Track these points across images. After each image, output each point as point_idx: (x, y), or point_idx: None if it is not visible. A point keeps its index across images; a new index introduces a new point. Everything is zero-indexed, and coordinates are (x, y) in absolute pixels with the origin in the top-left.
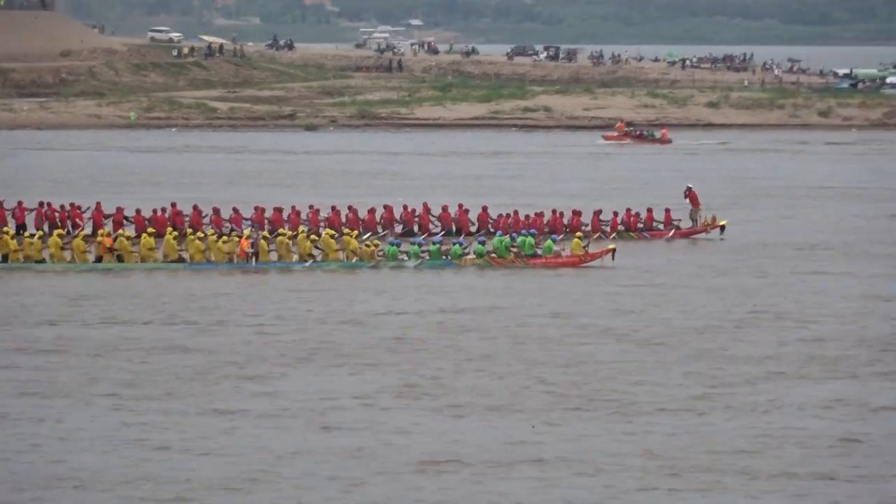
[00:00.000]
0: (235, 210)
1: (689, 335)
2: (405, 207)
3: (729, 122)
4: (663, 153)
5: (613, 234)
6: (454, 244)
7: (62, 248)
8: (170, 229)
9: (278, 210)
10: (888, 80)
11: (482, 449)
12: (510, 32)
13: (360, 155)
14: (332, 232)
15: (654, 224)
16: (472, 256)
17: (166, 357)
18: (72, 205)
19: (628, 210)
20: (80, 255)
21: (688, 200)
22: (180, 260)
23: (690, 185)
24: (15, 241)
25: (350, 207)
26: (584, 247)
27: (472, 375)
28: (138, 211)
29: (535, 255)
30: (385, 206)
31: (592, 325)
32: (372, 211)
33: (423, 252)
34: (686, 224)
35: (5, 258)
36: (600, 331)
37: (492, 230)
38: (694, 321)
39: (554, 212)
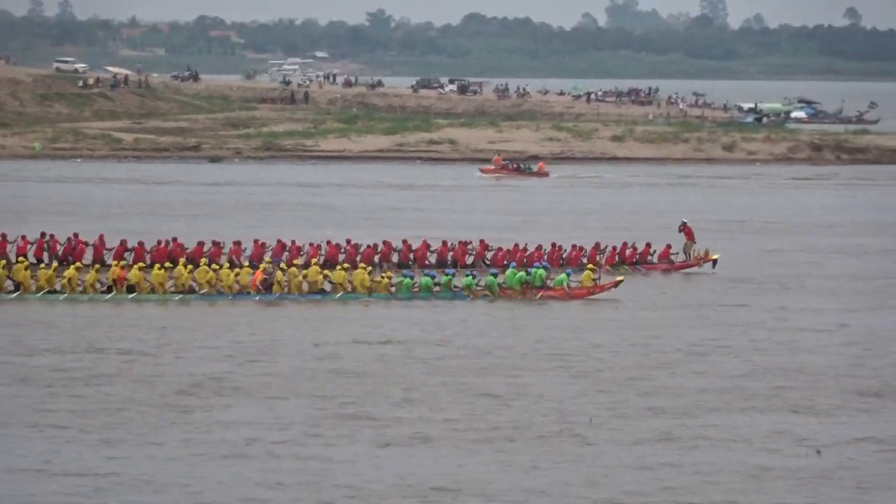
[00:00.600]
0: (236, 243)
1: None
2: (404, 242)
3: (633, 155)
4: (542, 186)
5: (607, 267)
6: (467, 275)
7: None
8: (182, 261)
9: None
10: (792, 115)
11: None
12: (415, 65)
13: (267, 187)
14: (347, 265)
15: (649, 258)
16: (481, 289)
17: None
18: (74, 235)
19: (624, 243)
20: (91, 286)
21: (682, 234)
22: (191, 291)
23: (685, 220)
24: (28, 271)
25: (349, 241)
26: (594, 279)
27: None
28: (140, 243)
29: (544, 287)
30: (384, 242)
31: (543, 354)
32: (373, 246)
33: (436, 284)
34: (681, 258)
35: (17, 287)
36: (544, 358)
37: (487, 262)
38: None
39: (553, 245)
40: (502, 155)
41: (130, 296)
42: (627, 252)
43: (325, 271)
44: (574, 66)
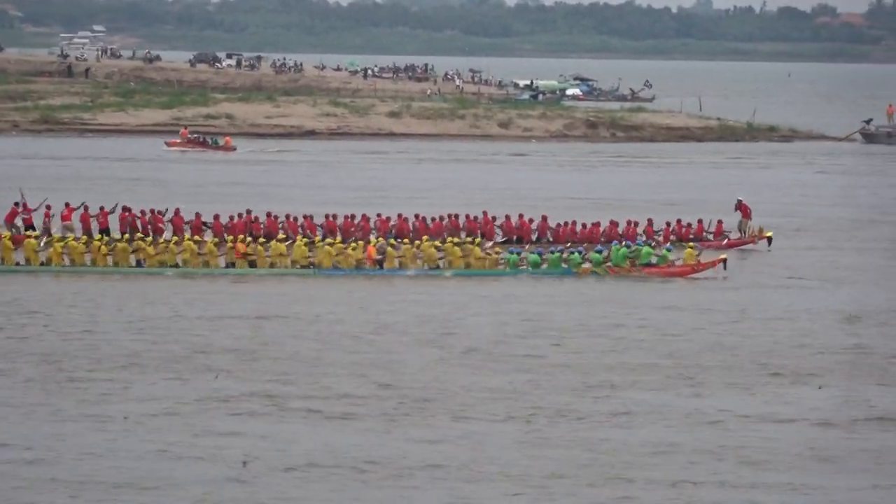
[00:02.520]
0: (288, 217)
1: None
2: (468, 217)
3: (410, 131)
4: (230, 161)
5: (667, 245)
6: (572, 252)
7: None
8: (300, 237)
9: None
10: (568, 92)
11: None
12: (193, 40)
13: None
14: (457, 239)
15: (704, 234)
16: (588, 266)
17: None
18: (152, 210)
19: (679, 220)
20: (214, 259)
21: (738, 212)
22: (309, 266)
23: (741, 198)
24: (152, 246)
25: (417, 216)
26: (696, 256)
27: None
28: (216, 217)
29: (650, 265)
30: (449, 215)
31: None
32: (442, 218)
33: (543, 259)
34: (735, 235)
35: (139, 263)
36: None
37: (550, 239)
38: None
39: (611, 222)
40: (278, 129)
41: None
42: (683, 229)
43: (436, 243)
44: (351, 43)
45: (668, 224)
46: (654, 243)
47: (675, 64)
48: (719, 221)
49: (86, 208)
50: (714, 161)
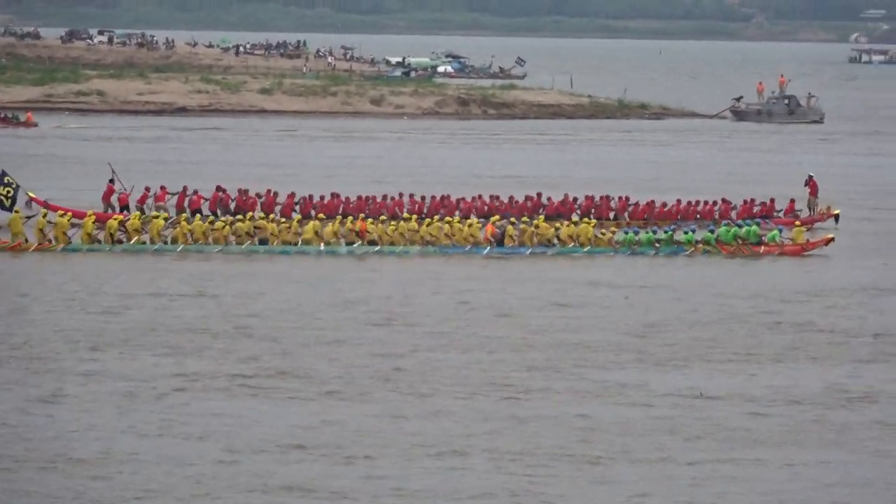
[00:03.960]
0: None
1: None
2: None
3: (282, 108)
4: (30, 137)
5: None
6: (685, 232)
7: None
8: (415, 217)
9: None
10: (440, 69)
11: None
12: (65, 16)
13: None
14: (576, 220)
15: (775, 213)
16: (700, 244)
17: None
18: (245, 191)
19: (751, 200)
20: (333, 237)
21: (808, 189)
22: (425, 243)
23: (811, 174)
24: (273, 224)
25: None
26: (805, 234)
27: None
28: (310, 197)
29: (759, 244)
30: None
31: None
32: (529, 198)
33: (657, 240)
34: (805, 213)
35: (262, 241)
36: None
37: (627, 218)
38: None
39: (689, 201)
40: (150, 106)
41: (374, 248)
42: (755, 209)
43: (556, 224)
44: (223, 20)
45: (745, 202)
46: (762, 223)
47: (547, 41)
48: (791, 200)
49: (184, 189)
50: (608, 138)
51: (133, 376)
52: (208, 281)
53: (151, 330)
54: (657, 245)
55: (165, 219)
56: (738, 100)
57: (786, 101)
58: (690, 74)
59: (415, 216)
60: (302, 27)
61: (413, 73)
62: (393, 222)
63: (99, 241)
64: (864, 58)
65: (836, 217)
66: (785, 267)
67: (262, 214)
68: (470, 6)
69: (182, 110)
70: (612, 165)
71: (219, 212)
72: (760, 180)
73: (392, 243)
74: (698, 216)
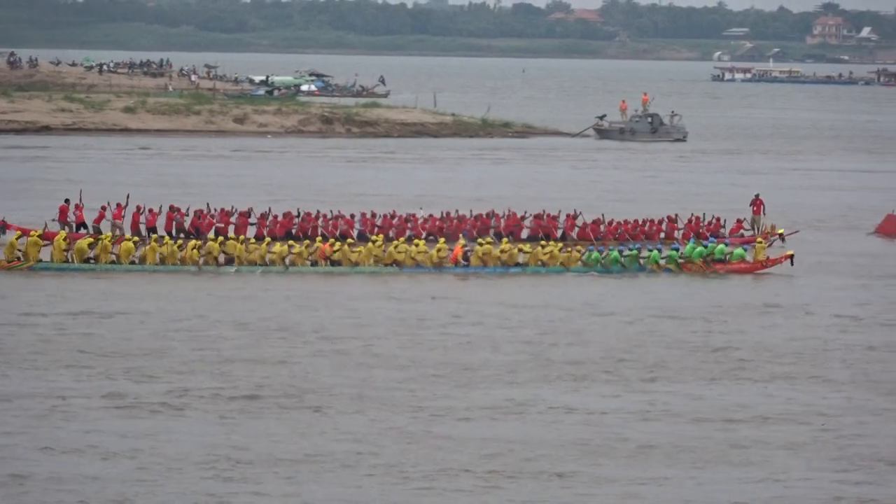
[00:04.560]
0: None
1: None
2: (495, 215)
3: (146, 126)
4: None
5: (684, 241)
6: (650, 250)
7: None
8: (381, 237)
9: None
10: (303, 88)
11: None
12: None
13: None
14: (543, 243)
15: (721, 231)
16: (663, 262)
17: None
18: (200, 210)
19: (698, 217)
20: (303, 260)
21: (752, 208)
22: (393, 264)
23: (758, 193)
24: (243, 246)
25: (446, 214)
26: (765, 252)
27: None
28: (262, 216)
29: (722, 261)
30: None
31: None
32: (475, 217)
33: (624, 257)
34: (749, 233)
35: (231, 261)
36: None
37: (575, 237)
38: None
39: (636, 220)
40: (13, 124)
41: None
42: (701, 228)
43: (520, 245)
44: (87, 38)
45: (690, 221)
46: (728, 242)
47: (410, 60)
48: (738, 220)
49: (138, 207)
50: (475, 157)
51: (43, 394)
52: (160, 300)
53: (80, 351)
54: (622, 264)
55: (135, 242)
56: (601, 118)
57: (649, 120)
58: (554, 93)
59: (381, 236)
60: (166, 46)
61: (277, 92)
62: (360, 244)
63: (68, 261)
64: (728, 76)
65: (781, 236)
66: (717, 284)
67: (232, 235)
68: (334, 25)
69: (45, 129)
70: (487, 184)
71: (173, 232)
72: (641, 199)
73: (356, 264)
74: (644, 237)
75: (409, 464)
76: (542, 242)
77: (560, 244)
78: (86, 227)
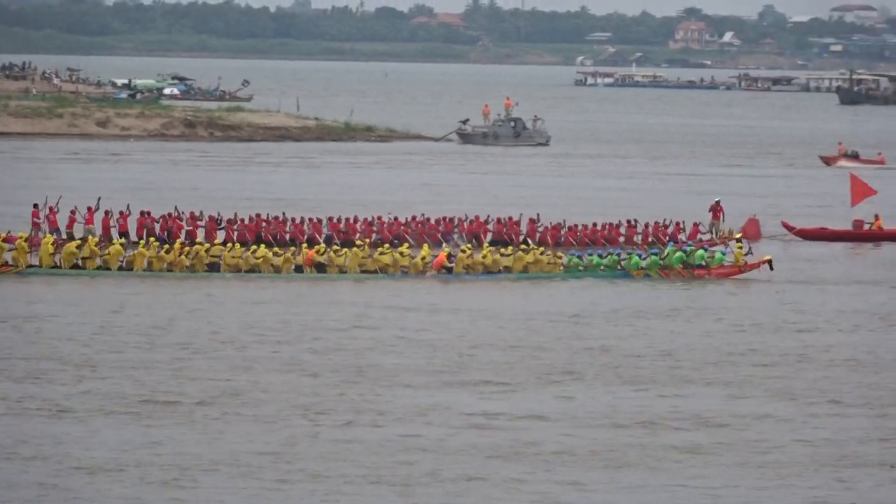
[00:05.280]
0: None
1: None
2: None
3: (7, 130)
4: None
5: (644, 247)
6: (630, 254)
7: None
8: (367, 241)
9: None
10: (166, 91)
11: None
12: None
13: None
14: (525, 246)
15: (679, 237)
16: (643, 268)
17: None
18: (169, 214)
19: (657, 223)
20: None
21: (710, 214)
22: (381, 270)
23: (718, 199)
24: (227, 252)
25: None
26: (744, 257)
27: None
28: (229, 220)
29: (702, 266)
30: (444, 218)
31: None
32: (436, 222)
33: (603, 264)
34: (707, 237)
35: (213, 267)
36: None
37: (537, 241)
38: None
39: (595, 224)
40: None
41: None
42: (659, 233)
43: (501, 250)
44: None
45: (647, 225)
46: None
47: (274, 63)
48: (695, 224)
49: (106, 212)
50: (343, 161)
51: None
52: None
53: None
54: (602, 270)
55: (122, 244)
56: (464, 122)
57: (511, 124)
58: (417, 96)
59: (367, 241)
60: (28, 48)
61: (139, 95)
62: (345, 249)
63: (58, 266)
64: (591, 80)
65: (739, 240)
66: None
67: (218, 241)
68: (196, 28)
69: None
70: (354, 189)
71: (144, 236)
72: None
73: (342, 271)
74: (605, 241)
75: (319, 470)
76: (523, 247)
77: (542, 248)
78: (59, 231)
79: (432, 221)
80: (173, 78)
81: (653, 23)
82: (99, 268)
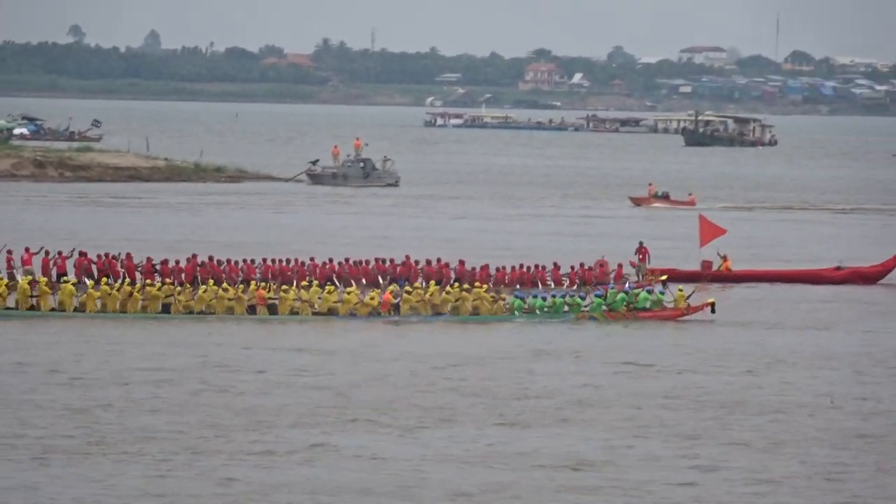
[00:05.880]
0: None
1: None
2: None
3: None
4: None
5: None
6: (572, 296)
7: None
8: (315, 282)
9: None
10: (15, 132)
11: None
12: None
13: None
14: (467, 286)
15: (606, 278)
16: (587, 310)
17: None
18: (107, 255)
19: (582, 264)
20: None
21: (638, 255)
22: (332, 312)
23: (642, 241)
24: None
25: (347, 260)
26: (686, 299)
27: None
28: (164, 262)
29: (646, 309)
30: (376, 259)
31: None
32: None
33: (547, 305)
34: (633, 279)
35: (166, 309)
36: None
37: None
38: None
39: (522, 265)
40: None
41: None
42: (586, 274)
43: (448, 289)
44: None
45: (573, 268)
46: (651, 288)
47: (124, 104)
48: (619, 265)
49: (46, 252)
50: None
51: None
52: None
53: None
54: (546, 311)
55: (74, 284)
56: (314, 163)
57: (361, 165)
58: (267, 137)
59: (315, 282)
60: None
61: None
62: (293, 289)
63: (10, 308)
64: (440, 121)
65: (664, 283)
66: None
67: (169, 280)
68: (46, 68)
69: None
70: (213, 228)
71: (83, 277)
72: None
73: (294, 312)
74: (535, 281)
75: None
76: (466, 286)
77: (485, 286)
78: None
79: (364, 264)
80: (23, 118)
81: (502, 64)
82: (53, 309)
